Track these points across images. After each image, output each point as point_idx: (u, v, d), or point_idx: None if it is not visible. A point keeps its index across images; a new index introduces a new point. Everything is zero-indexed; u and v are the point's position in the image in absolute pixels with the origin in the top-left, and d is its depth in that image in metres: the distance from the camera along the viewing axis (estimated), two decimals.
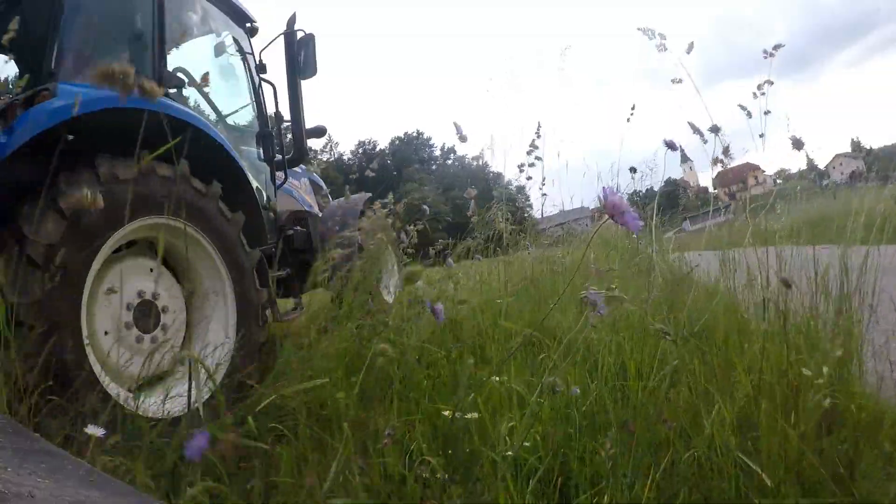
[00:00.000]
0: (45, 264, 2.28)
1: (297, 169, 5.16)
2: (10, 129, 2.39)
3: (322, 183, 5.93)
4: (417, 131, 64.92)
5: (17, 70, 3.51)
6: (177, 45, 3.70)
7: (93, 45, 3.11)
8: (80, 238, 2.43)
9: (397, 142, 61.73)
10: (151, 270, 2.90)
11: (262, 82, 4.36)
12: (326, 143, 61.11)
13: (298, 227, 4.65)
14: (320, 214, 5.25)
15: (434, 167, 65.03)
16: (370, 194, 5.61)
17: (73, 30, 2.97)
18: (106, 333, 2.63)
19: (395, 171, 57.52)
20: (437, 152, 66.97)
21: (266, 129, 4.29)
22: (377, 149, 59.69)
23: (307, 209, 5.13)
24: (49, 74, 2.80)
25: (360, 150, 59.26)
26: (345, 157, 58.17)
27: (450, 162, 67.49)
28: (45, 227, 2.32)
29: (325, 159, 51.28)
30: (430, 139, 64.91)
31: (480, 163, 73.19)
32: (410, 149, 60.92)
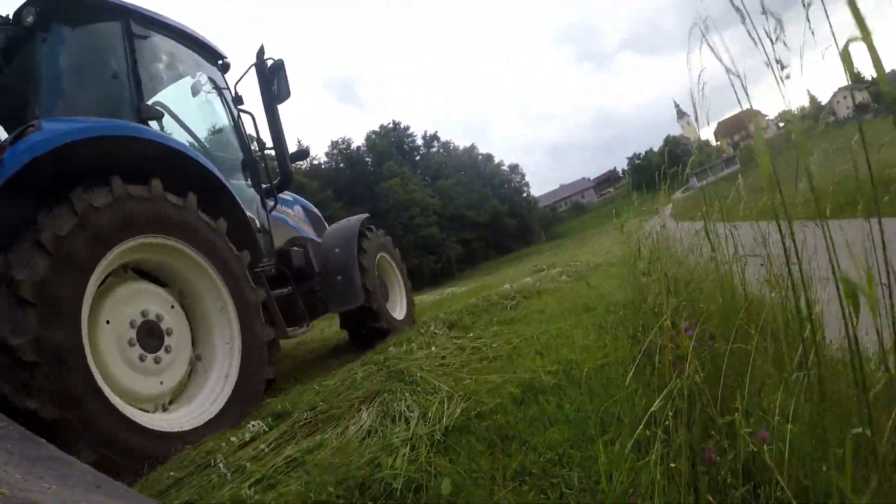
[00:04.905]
0: (37, 302, 2.53)
1: (288, 197, 5.69)
2: (0, 162, 2.70)
3: (317, 211, 6.41)
4: (394, 122, 64.85)
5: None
6: (157, 86, 4.21)
7: (73, 87, 3.59)
8: (67, 269, 2.70)
9: (374, 136, 61.65)
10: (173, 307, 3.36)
11: (241, 113, 4.90)
12: (297, 148, 61.03)
13: (296, 248, 5.14)
14: (319, 240, 5.74)
15: (417, 157, 65.05)
16: (367, 215, 6.12)
17: (53, 76, 3.49)
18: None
19: (375, 167, 57.48)
20: (419, 141, 67.00)
21: (250, 157, 4.81)
22: (352, 146, 59.60)
23: (304, 235, 5.62)
24: (34, 117, 3.22)
25: (335, 151, 59.15)
26: (317, 161, 58.06)
27: (434, 150, 67.52)
28: (32, 265, 2.57)
29: (300, 167, 51.33)
30: (408, 128, 64.95)
31: (468, 145, 73.45)
32: (388, 142, 60.81)
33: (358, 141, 62.16)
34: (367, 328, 5.49)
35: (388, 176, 54.09)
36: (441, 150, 67.93)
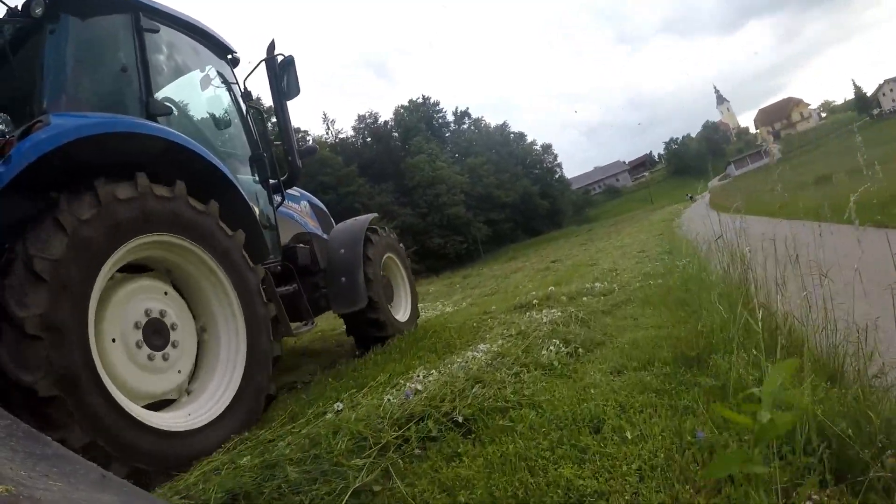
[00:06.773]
0: (50, 279, 2.63)
1: (295, 193, 5.82)
2: (8, 158, 2.75)
3: (324, 206, 6.55)
4: (423, 96, 64.40)
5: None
6: (166, 81, 4.26)
7: (81, 81, 3.66)
8: (83, 253, 2.81)
9: (402, 110, 61.32)
10: (166, 293, 3.45)
11: (250, 108, 5.00)
12: (324, 122, 61.09)
13: (301, 245, 5.25)
14: (325, 236, 5.86)
15: (447, 134, 64.64)
16: (375, 214, 6.27)
17: (61, 69, 3.53)
18: (114, 340, 3.05)
19: (403, 143, 57.27)
20: (450, 117, 66.49)
21: (258, 153, 4.90)
22: (379, 121, 59.43)
23: (310, 231, 5.75)
24: (41, 112, 3.28)
25: (362, 125, 59.07)
26: (343, 135, 58.10)
27: (465, 126, 67.01)
28: (49, 243, 2.68)
29: (325, 140, 51.47)
30: (437, 103, 64.46)
31: (500, 123, 72.60)
32: (417, 117, 60.45)
33: (386, 115, 62.02)
34: (369, 333, 5.61)
35: (415, 152, 53.83)
36: (472, 128, 67.37)
